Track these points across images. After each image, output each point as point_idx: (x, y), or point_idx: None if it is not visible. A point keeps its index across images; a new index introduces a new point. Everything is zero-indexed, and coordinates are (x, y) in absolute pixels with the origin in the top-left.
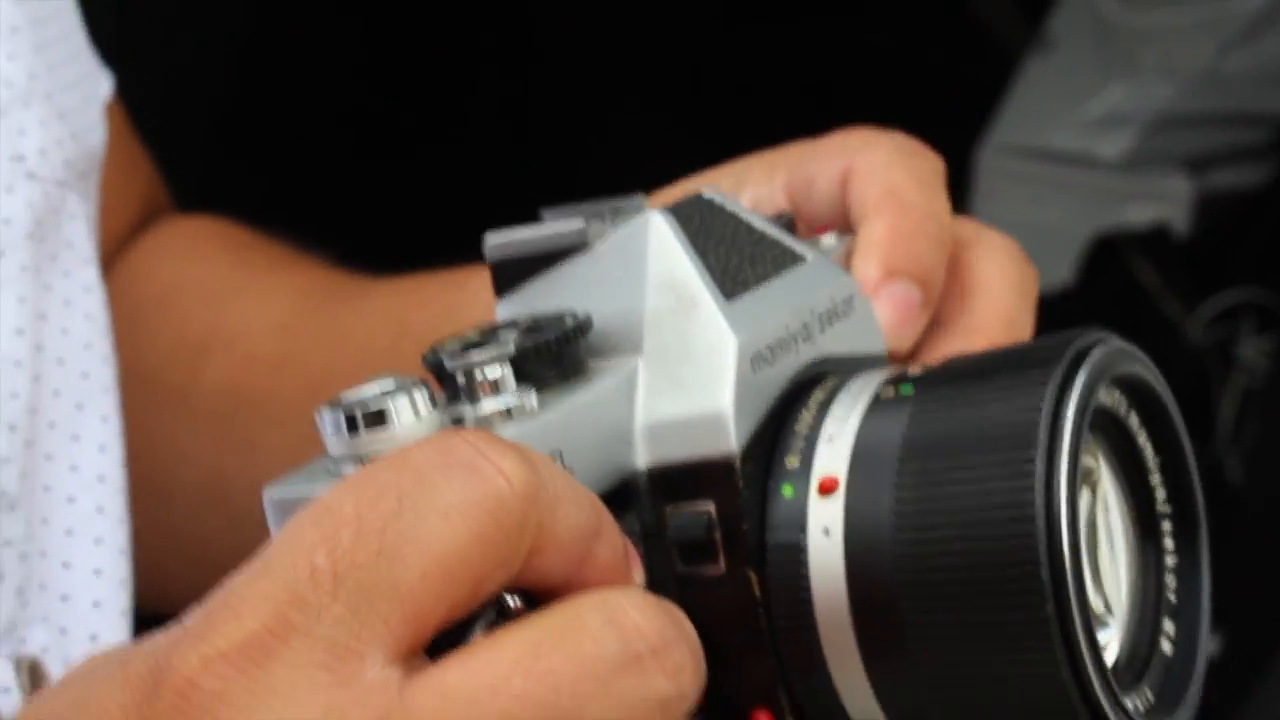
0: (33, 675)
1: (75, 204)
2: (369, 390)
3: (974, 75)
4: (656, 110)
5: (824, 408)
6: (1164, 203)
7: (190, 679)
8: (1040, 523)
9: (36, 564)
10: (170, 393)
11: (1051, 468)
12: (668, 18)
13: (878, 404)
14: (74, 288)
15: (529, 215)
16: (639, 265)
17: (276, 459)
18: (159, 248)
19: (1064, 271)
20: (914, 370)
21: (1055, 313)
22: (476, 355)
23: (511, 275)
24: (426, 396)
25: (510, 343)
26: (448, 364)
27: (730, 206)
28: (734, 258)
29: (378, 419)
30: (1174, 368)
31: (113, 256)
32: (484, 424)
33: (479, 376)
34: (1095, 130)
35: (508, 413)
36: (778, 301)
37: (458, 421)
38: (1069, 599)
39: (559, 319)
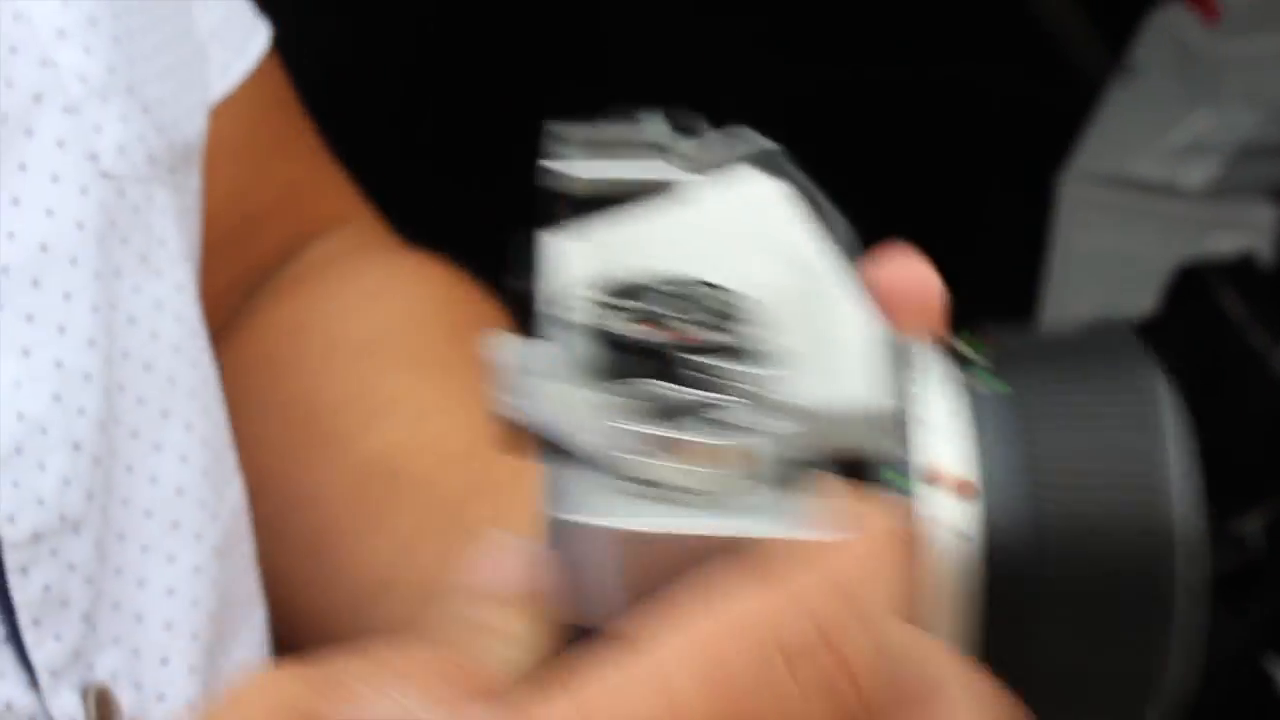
0: (100, 704)
1: (164, 199)
2: (676, 398)
3: (1056, 103)
4: None
5: (909, 389)
6: (1249, 232)
7: None
8: (1179, 555)
9: (111, 583)
10: (331, 437)
11: (1181, 493)
12: (751, 46)
13: (976, 399)
14: (166, 288)
15: None
16: (759, 233)
17: (391, 538)
18: (376, 290)
19: (1148, 301)
20: (978, 357)
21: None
22: (729, 368)
23: (579, 207)
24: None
25: (729, 335)
26: (697, 376)
27: (792, 169)
28: (823, 227)
29: (690, 425)
30: (1259, 398)
31: (274, 257)
32: (747, 442)
33: (730, 388)
34: (1179, 158)
35: (765, 436)
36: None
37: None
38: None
39: (711, 294)
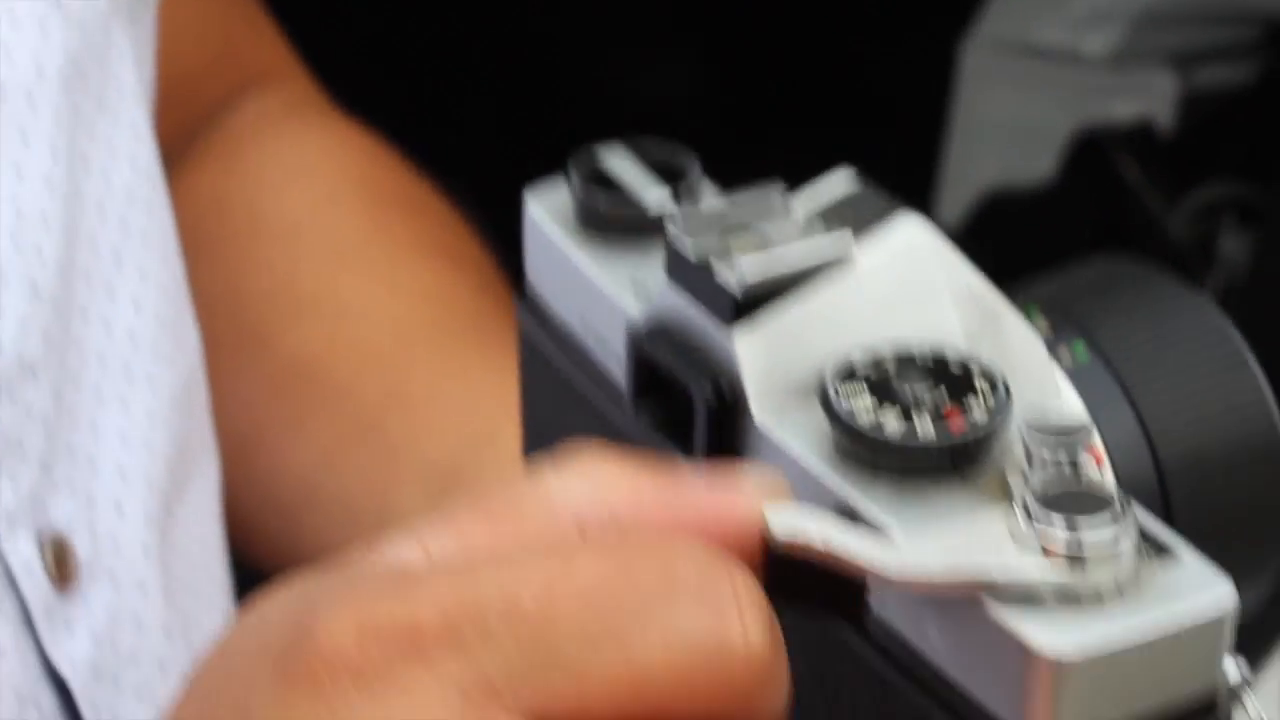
0: (56, 552)
1: (122, 39)
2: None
3: None
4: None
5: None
6: (1149, 99)
7: (338, 649)
8: None
9: (66, 428)
10: (252, 336)
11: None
12: None
13: (1073, 374)
14: (121, 131)
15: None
16: (931, 278)
17: (311, 447)
18: (299, 166)
19: (1047, 167)
20: (1047, 328)
21: (1038, 208)
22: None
23: (756, 300)
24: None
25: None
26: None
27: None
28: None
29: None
30: (1155, 261)
31: (208, 112)
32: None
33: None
34: (1081, 25)
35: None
36: None
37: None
38: None
39: (981, 372)
